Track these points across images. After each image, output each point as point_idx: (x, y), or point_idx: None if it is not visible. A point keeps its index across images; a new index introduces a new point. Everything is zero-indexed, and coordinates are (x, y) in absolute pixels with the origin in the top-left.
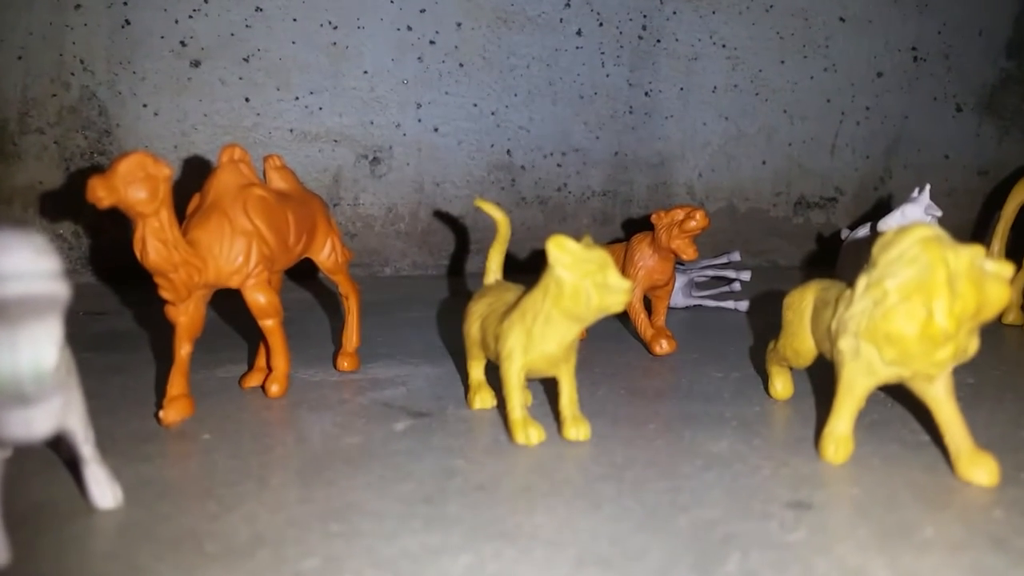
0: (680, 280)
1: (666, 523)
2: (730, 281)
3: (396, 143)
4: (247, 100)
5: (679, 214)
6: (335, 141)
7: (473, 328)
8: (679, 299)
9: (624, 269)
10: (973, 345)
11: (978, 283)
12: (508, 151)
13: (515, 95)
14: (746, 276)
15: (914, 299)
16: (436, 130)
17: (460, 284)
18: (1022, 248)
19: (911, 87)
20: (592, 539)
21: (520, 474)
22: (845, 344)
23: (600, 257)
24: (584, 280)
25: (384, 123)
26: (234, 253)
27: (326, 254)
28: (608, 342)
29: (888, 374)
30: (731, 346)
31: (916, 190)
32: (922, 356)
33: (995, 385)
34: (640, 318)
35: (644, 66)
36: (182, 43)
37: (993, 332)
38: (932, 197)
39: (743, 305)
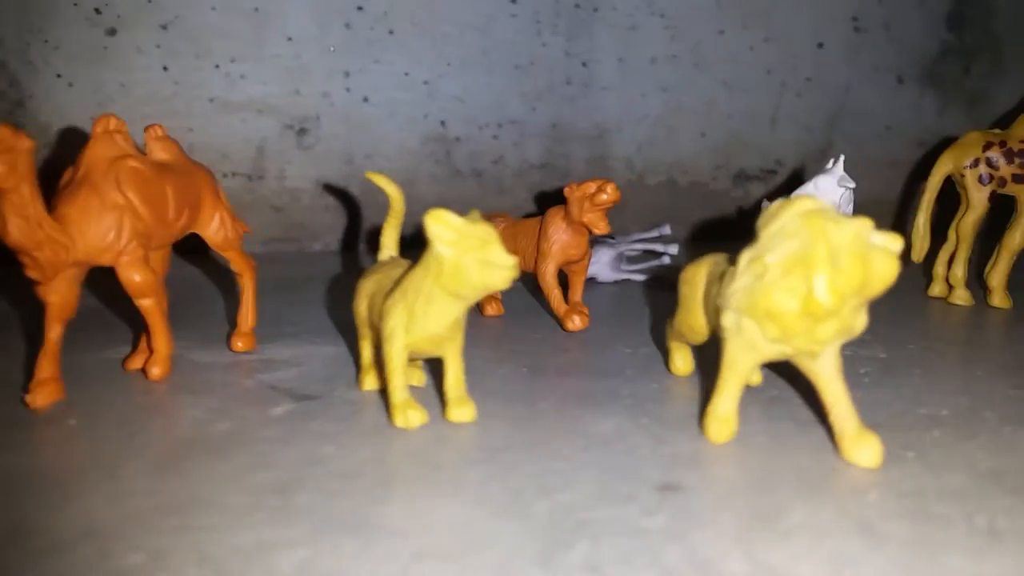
0: (608, 254)
1: (524, 509)
2: (659, 255)
3: (324, 113)
4: (165, 69)
5: (591, 187)
6: (259, 111)
7: (361, 306)
8: (607, 273)
9: (538, 243)
10: (860, 322)
11: (863, 258)
12: (442, 122)
13: (448, 64)
14: (674, 250)
15: (794, 274)
16: (366, 100)
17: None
18: (948, 222)
19: (852, 58)
20: (441, 529)
21: (390, 460)
22: (728, 320)
23: (483, 232)
24: (465, 256)
25: (310, 92)
26: (104, 229)
27: (214, 229)
28: (526, 318)
29: (771, 351)
30: (648, 321)
31: (831, 161)
32: (804, 333)
33: (907, 360)
34: (554, 294)
35: (581, 36)
36: (97, 11)
37: (918, 307)
38: (873, 168)
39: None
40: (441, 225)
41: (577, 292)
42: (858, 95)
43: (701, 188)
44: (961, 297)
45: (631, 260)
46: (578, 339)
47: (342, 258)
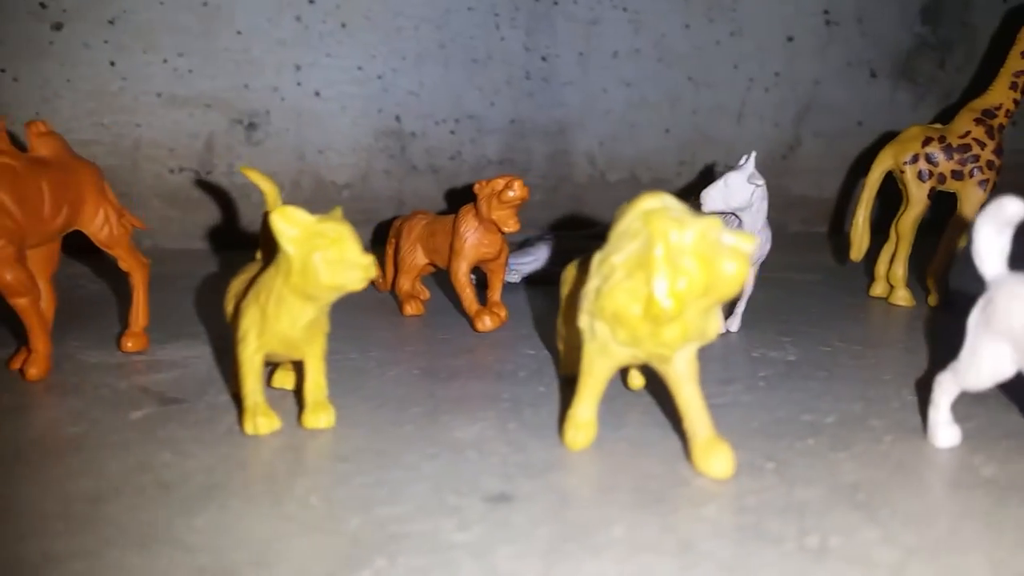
0: (548, 251)
1: (336, 524)
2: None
3: (273, 108)
4: (112, 64)
5: (499, 183)
6: (207, 106)
7: (229, 307)
8: (548, 269)
9: (451, 241)
10: (713, 326)
11: (708, 259)
12: (397, 117)
13: (403, 58)
14: None
15: (637, 276)
16: (317, 94)
17: None
18: (890, 218)
19: (823, 52)
20: (234, 545)
21: (223, 469)
22: (583, 323)
23: (335, 230)
24: (314, 255)
25: (260, 87)
26: None
27: (98, 226)
28: (443, 317)
29: (624, 355)
30: None
31: (743, 157)
32: (650, 337)
33: (814, 363)
34: (465, 293)
35: (541, 29)
36: (42, 5)
37: (855, 306)
38: (845, 165)
39: None
40: (286, 222)
41: (495, 292)
42: (829, 90)
43: (665, 185)
44: (901, 297)
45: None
46: (488, 340)
47: None
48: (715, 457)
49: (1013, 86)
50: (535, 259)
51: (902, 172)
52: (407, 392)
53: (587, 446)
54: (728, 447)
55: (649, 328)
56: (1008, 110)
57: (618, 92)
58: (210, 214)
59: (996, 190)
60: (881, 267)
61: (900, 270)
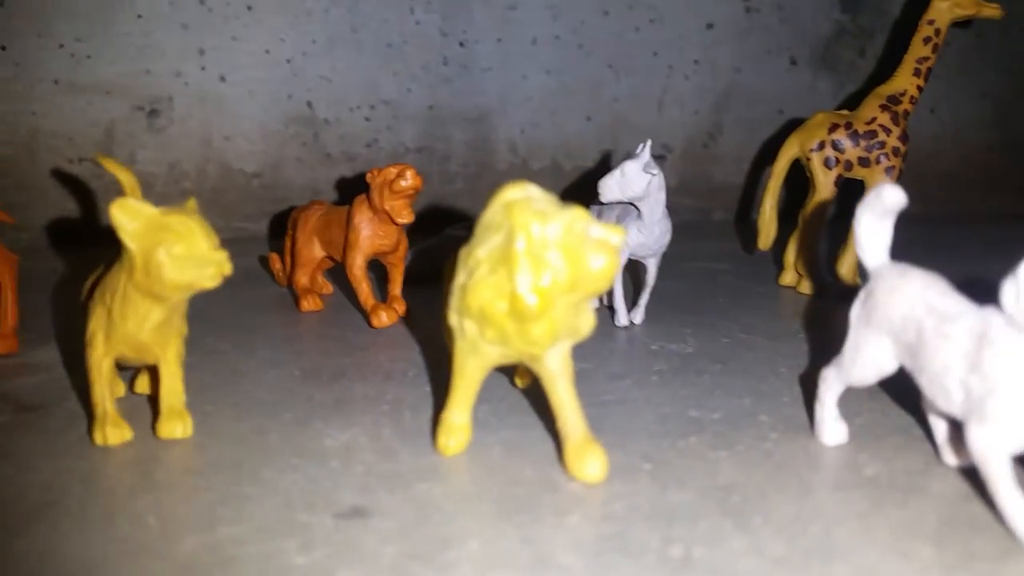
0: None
1: (168, 547)
2: None
3: (177, 94)
4: (3, 49)
5: (391, 172)
6: (106, 92)
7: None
8: None
9: (346, 233)
10: (586, 322)
11: (575, 252)
12: (308, 103)
13: (314, 42)
14: None
15: (500, 271)
16: (223, 79)
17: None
18: (797, 208)
19: (743, 39)
20: (48, 571)
21: (61, 485)
22: (452, 320)
23: (183, 223)
24: (158, 250)
25: (162, 72)
26: None
27: None
28: (341, 314)
29: (494, 354)
30: None
31: (640, 146)
32: (517, 335)
33: (712, 356)
34: (361, 287)
35: (457, 14)
36: None
37: (764, 296)
38: (766, 153)
39: None
40: (126, 215)
41: (396, 285)
42: (749, 77)
43: (588, 173)
44: (809, 287)
45: None
46: (384, 337)
47: None
48: (587, 460)
49: (916, 72)
50: None
51: (808, 160)
52: (282, 396)
53: (460, 451)
54: (600, 449)
55: (516, 326)
56: (912, 96)
57: (538, 79)
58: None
59: (902, 177)
60: (790, 256)
61: (808, 260)
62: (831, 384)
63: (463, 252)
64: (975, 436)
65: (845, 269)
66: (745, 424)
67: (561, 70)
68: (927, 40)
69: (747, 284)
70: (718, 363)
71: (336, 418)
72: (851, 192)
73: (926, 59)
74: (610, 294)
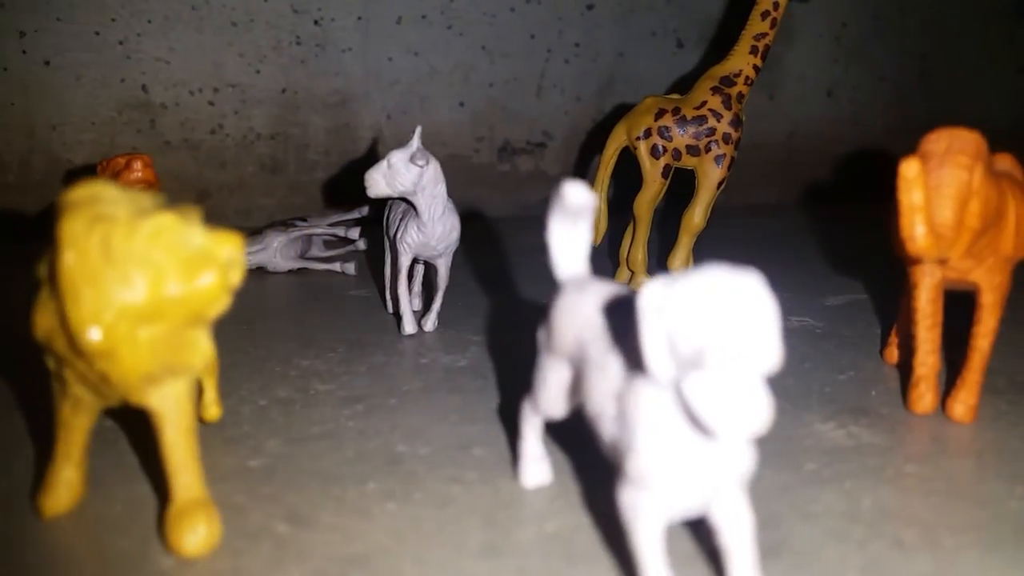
0: (278, 239)
1: None
2: (351, 240)
3: None
4: None
5: (119, 163)
6: None
7: None
8: (278, 262)
9: None
10: (198, 352)
11: (161, 269)
12: (143, 87)
13: (148, 21)
14: (354, 235)
15: (57, 293)
16: (47, 63)
17: None
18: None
19: (625, 21)
20: None
21: None
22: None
23: None
24: None
25: None
26: None
27: None
28: None
29: (88, 395)
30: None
31: (415, 133)
32: (93, 374)
33: (479, 371)
34: None
35: None
36: None
37: None
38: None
39: (350, 268)
40: None
41: None
42: (633, 61)
43: (462, 161)
44: (641, 284)
45: (328, 245)
46: None
47: (7, 250)
48: (188, 529)
49: (753, 50)
50: (260, 249)
51: (635, 148)
52: None
53: (65, 511)
54: (209, 516)
55: (86, 364)
56: (748, 77)
57: (405, 61)
58: None
59: (735, 165)
60: (625, 251)
61: (639, 254)
62: (528, 417)
63: (36, 268)
64: (618, 494)
65: (677, 264)
66: (447, 461)
67: (430, 52)
68: (765, 15)
69: None
70: (481, 379)
71: None
72: (687, 182)
73: (763, 35)
74: (396, 299)
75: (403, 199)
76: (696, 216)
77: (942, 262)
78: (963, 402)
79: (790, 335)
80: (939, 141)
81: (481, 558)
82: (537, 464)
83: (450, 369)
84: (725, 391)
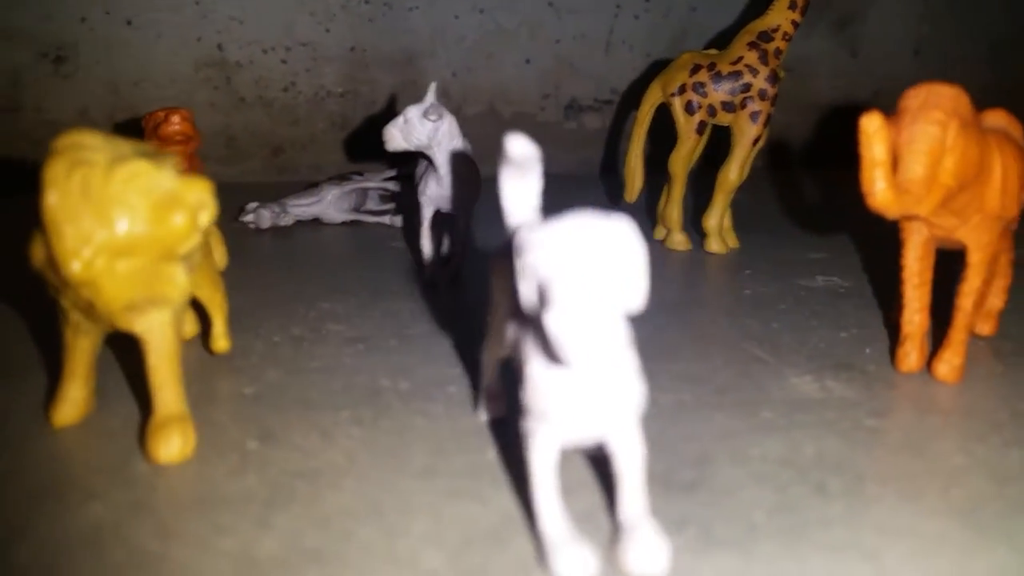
0: (332, 192)
1: None
2: (396, 194)
3: (82, 39)
4: None
5: (159, 116)
6: (8, 39)
7: None
8: (332, 214)
9: None
10: (175, 287)
11: (135, 209)
12: (219, 45)
13: None
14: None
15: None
16: (129, 23)
17: None
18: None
19: None
20: None
21: None
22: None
23: None
24: None
25: (65, 17)
26: None
27: None
28: None
29: (83, 320)
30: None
31: (430, 88)
32: (82, 301)
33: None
34: None
35: None
36: None
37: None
38: None
39: (398, 220)
40: None
41: None
42: (706, 16)
43: (527, 119)
44: (677, 242)
45: (383, 199)
46: None
47: None
48: (164, 439)
49: (792, 5)
50: (315, 201)
51: (670, 105)
52: None
53: (71, 423)
54: (185, 429)
55: (75, 292)
56: (786, 32)
57: (471, 18)
58: (19, 155)
59: (771, 122)
60: (660, 208)
61: (674, 212)
62: (484, 357)
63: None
64: (520, 423)
65: (712, 222)
66: (421, 396)
67: (496, 8)
68: None
69: None
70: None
71: None
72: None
73: None
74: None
75: (421, 153)
76: (731, 173)
77: (923, 219)
78: (947, 361)
79: (809, 293)
80: (916, 97)
81: (418, 478)
82: (493, 401)
83: (455, 316)
84: (569, 324)
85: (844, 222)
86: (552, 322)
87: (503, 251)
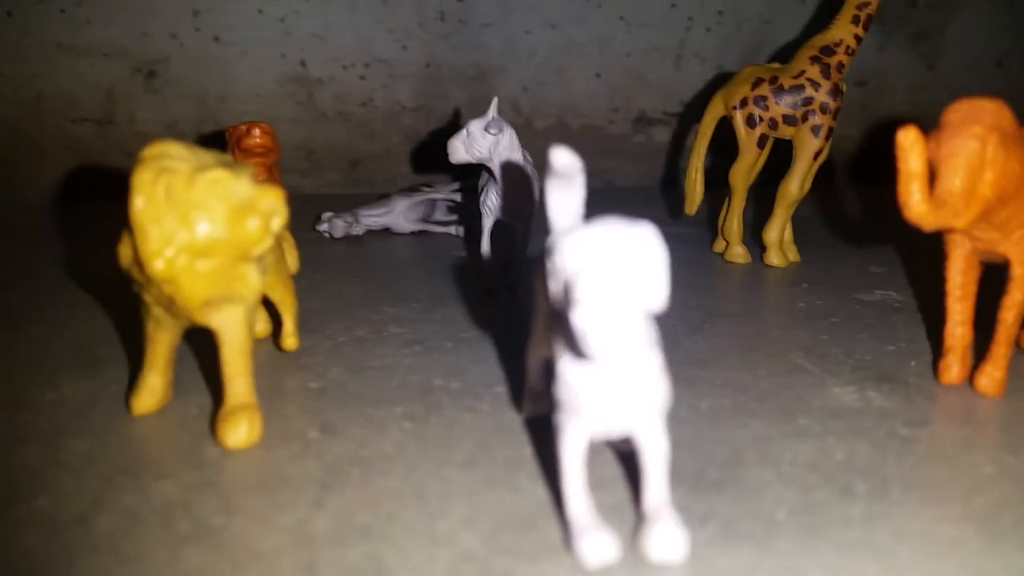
0: (402, 203)
1: None
2: (462, 205)
3: (173, 55)
4: (9, 15)
5: (241, 129)
6: (105, 55)
7: None
8: (402, 224)
9: None
10: (248, 286)
11: (214, 213)
12: (302, 62)
13: (306, 0)
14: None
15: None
16: (217, 39)
17: None
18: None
19: None
20: None
21: None
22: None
23: None
24: None
25: (158, 33)
26: None
27: None
28: None
29: (166, 316)
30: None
31: (492, 103)
32: (165, 297)
33: None
34: None
35: None
36: None
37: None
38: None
39: (463, 231)
40: None
41: None
42: (781, 29)
43: (596, 132)
44: (737, 255)
45: (451, 210)
46: None
47: None
48: (232, 427)
49: (855, 20)
50: (386, 212)
51: (732, 118)
52: None
53: (150, 411)
54: (252, 417)
55: (158, 289)
56: (849, 47)
57: (542, 34)
58: (113, 165)
59: (832, 136)
60: (720, 221)
61: (734, 224)
62: (528, 357)
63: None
64: (553, 416)
65: (772, 236)
66: (470, 395)
67: (567, 23)
68: None
69: (682, 249)
70: None
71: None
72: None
73: (866, 4)
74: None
75: (483, 166)
76: (792, 186)
77: (966, 232)
78: (988, 374)
79: (864, 307)
80: (958, 111)
81: (460, 468)
82: (535, 400)
83: (510, 322)
84: (592, 320)
85: (909, 237)
86: (577, 318)
87: (544, 257)
